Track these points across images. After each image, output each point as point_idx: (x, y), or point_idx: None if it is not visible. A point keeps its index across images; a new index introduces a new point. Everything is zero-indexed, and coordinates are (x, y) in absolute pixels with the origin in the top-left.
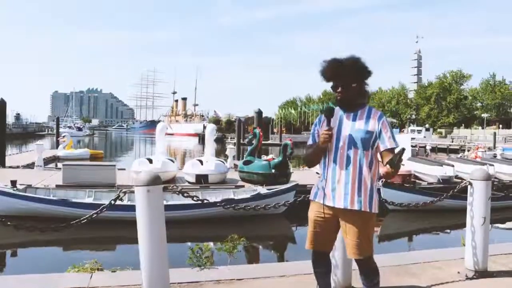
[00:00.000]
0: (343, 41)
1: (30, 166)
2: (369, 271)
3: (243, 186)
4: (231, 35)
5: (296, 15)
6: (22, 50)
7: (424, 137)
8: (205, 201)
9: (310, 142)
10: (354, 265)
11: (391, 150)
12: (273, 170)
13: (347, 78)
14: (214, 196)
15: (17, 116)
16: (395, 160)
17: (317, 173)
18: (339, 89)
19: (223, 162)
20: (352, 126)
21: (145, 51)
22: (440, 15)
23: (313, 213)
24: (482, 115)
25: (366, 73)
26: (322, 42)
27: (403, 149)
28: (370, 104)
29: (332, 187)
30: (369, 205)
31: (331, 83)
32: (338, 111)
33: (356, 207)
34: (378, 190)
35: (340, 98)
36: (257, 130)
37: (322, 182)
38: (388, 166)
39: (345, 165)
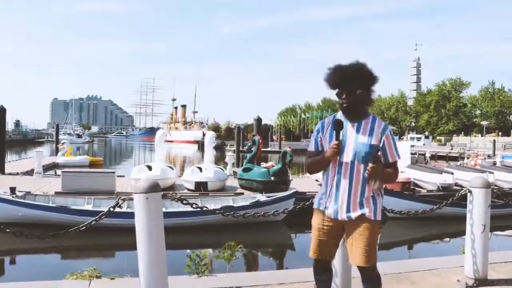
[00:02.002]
0: (342, 49)
1: (30, 173)
2: (372, 279)
3: (242, 194)
4: (231, 44)
5: (295, 24)
6: (22, 57)
7: (424, 144)
8: (204, 209)
9: (312, 148)
10: (353, 273)
11: (393, 164)
12: (272, 178)
13: (352, 85)
14: (213, 203)
15: (17, 123)
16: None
17: (316, 180)
18: (344, 96)
19: (222, 169)
20: (355, 139)
21: (144, 58)
22: (439, 23)
23: (316, 221)
24: (482, 122)
25: (372, 79)
26: (322, 50)
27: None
28: (370, 111)
29: (335, 197)
30: (374, 214)
31: (334, 91)
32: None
33: (359, 217)
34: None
35: (345, 105)
36: (257, 138)
37: (325, 192)
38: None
39: (348, 176)
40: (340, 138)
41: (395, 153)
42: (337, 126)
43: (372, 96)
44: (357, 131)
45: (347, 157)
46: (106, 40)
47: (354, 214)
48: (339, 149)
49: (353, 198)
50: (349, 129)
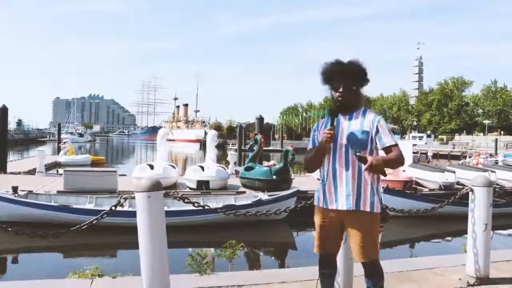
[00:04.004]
0: (343, 49)
1: (32, 172)
2: (375, 275)
3: (244, 192)
4: (232, 44)
5: (295, 23)
6: (24, 56)
7: (426, 143)
8: (206, 207)
9: (310, 147)
10: (355, 272)
11: (391, 147)
12: (274, 176)
13: (350, 79)
14: (215, 202)
15: (19, 122)
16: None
17: (318, 179)
18: (341, 89)
19: (224, 168)
20: (348, 127)
21: (146, 57)
22: (441, 22)
23: (318, 217)
24: (484, 121)
25: (366, 79)
26: (322, 50)
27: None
28: (371, 110)
29: (333, 189)
30: (370, 206)
31: (328, 85)
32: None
33: (357, 208)
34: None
35: (340, 99)
36: (259, 136)
37: (323, 185)
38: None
39: (344, 167)
40: (334, 124)
41: (390, 137)
42: (332, 112)
43: (362, 95)
44: (350, 120)
45: (342, 146)
46: (107, 39)
47: (352, 206)
48: (333, 135)
49: (351, 187)
50: (341, 120)
